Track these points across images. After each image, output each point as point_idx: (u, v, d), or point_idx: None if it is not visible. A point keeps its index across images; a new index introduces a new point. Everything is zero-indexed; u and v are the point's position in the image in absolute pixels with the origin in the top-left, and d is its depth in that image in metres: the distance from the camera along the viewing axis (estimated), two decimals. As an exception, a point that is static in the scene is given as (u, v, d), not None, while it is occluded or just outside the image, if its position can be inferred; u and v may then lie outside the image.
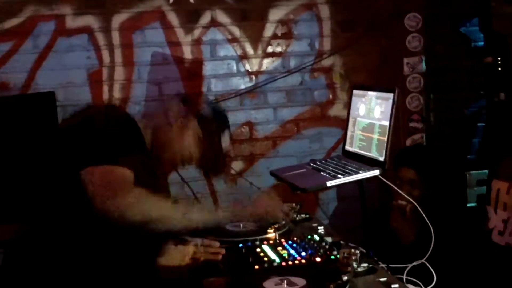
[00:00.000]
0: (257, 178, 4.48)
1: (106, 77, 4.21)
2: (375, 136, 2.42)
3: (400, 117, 4.41)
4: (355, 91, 2.68)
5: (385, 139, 2.34)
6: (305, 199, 3.02)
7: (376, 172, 2.34)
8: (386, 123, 2.35)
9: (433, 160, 3.93)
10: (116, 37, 4.21)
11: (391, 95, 2.35)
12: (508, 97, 3.16)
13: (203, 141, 2.61)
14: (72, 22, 4.14)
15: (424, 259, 2.20)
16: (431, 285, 2.07)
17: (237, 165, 4.54)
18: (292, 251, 2.35)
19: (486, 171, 3.34)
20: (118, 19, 4.21)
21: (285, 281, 2.04)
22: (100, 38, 4.19)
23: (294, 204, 2.91)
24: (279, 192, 4.12)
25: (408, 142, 4.52)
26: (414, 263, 2.20)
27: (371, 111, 2.48)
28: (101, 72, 4.22)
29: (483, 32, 4.36)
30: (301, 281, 2.03)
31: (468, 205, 4.33)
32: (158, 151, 2.58)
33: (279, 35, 4.52)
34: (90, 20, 4.17)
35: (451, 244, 3.42)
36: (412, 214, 3.42)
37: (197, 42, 4.34)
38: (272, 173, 2.74)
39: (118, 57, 4.24)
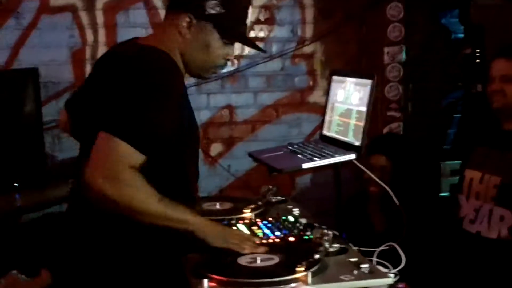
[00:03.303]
0: (236, 161, 4.55)
1: (89, 56, 4.24)
2: (352, 122, 2.46)
3: (378, 106, 4.48)
4: (334, 77, 2.72)
5: (362, 124, 2.38)
6: (282, 182, 3.06)
7: (352, 156, 2.37)
8: (364, 109, 2.39)
9: (406, 149, 4.01)
10: (100, 16, 4.24)
11: (369, 81, 2.39)
12: (484, 88, 3.22)
13: None
14: (56, 1, 4.17)
15: (396, 243, 2.24)
16: (400, 267, 2.12)
17: (216, 148, 4.59)
18: (267, 231, 2.40)
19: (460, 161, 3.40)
20: (102, -1, 4.24)
21: (258, 258, 2.09)
22: (84, 17, 4.22)
23: (270, 186, 2.96)
24: (255, 175, 4.20)
25: (385, 131, 4.58)
26: (385, 246, 2.24)
27: (349, 97, 2.52)
28: (84, 51, 4.24)
29: (463, 24, 4.43)
30: (274, 258, 2.08)
31: (441, 194, 4.41)
32: None
33: (262, 20, 4.56)
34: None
35: (423, 230, 3.51)
36: (384, 200, 3.50)
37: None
38: (250, 155, 2.77)
39: (102, 37, 4.26)
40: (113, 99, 2.02)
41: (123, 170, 1.93)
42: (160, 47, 2.16)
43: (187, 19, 2.18)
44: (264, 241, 2.28)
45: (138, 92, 2.00)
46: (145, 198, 1.99)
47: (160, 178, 2.04)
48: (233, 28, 2.26)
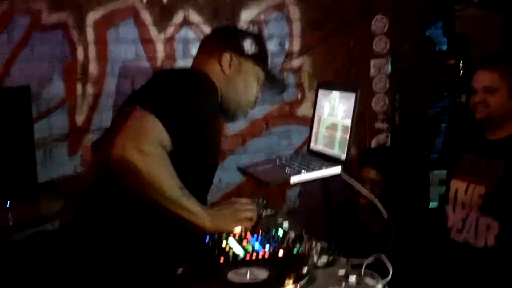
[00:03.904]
0: (227, 174, 4.57)
1: (80, 72, 4.27)
2: (338, 134, 2.50)
3: (366, 117, 4.52)
4: (320, 90, 2.75)
5: (347, 137, 2.43)
6: (272, 195, 3.10)
7: (338, 170, 2.41)
8: (349, 121, 2.43)
9: (395, 161, 4.06)
10: (90, 33, 4.29)
11: (354, 94, 2.43)
12: (468, 99, 3.27)
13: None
14: (47, 18, 4.20)
15: (384, 253, 2.27)
16: (387, 278, 2.14)
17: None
18: (257, 245, 2.43)
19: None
20: (92, 16, 4.28)
21: (248, 272, 2.12)
22: (75, 34, 4.26)
23: (260, 199, 2.99)
24: (246, 188, 4.23)
25: (374, 142, 4.62)
26: (372, 258, 2.27)
27: (335, 110, 2.56)
28: (75, 67, 4.27)
29: (447, 35, 4.48)
30: (263, 273, 2.11)
31: (430, 203, 4.46)
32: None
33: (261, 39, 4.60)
34: (65, 16, 4.23)
35: (412, 241, 3.54)
36: (374, 211, 3.54)
37: (170, 40, 4.42)
38: (239, 168, 2.81)
39: (92, 53, 4.30)
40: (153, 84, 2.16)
41: (154, 145, 1.96)
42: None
43: (228, 57, 2.33)
44: (254, 255, 2.32)
45: (180, 84, 2.14)
46: (169, 179, 2.02)
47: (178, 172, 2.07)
48: (265, 66, 2.45)
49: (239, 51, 2.34)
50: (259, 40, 2.42)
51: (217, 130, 2.36)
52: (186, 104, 2.09)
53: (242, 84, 2.38)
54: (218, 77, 2.33)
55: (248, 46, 2.35)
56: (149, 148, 1.94)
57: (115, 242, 2.16)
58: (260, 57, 2.40)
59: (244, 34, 2.42)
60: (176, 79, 2.21)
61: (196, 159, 2.23)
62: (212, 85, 2.27)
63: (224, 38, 2.39)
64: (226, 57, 2.33)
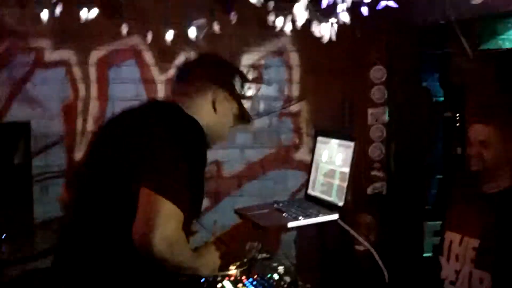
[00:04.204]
0: (222, 216, 4.57)
1: (80, 110, 4.30)
2: (336, 182, 2.53)
3: (362, 165, 4.54)
4: (319, 138, 2.79)
5: (345, 185, 2.46)
6: (267, 239, 3.10)
7: (335, 216, 2.44)
8: (347, 170, 2.47)
9: (391, 208, 4.08)
10: (92, 71, 4.34)
11: (352, 143, 2.47)
12: (463, 151, 3.30)
13: None
14: (50, 55, 4.26)
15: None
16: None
17: (203, 203, 4.61)
18: (252, 288, 2.45)
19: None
20: (95, 55, 4.34)
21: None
22: (77, 72, 4.31)
23: (256, 243, 3.00)
24: (242, 231, 4.22)
25: (370, 190, 4.63)
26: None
27: (333, 158, 2.60)
28: (75, 105, 4.31)
29: (443, 87, 4.53)
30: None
31: (424, 254, 4.46)
32: None
33: (250, 79, 4.66)
34: (67, 54, 4.29)
35: (406, 289, 3.54)
36: (368, 259, 3.55)
37: (170, 81, 4.45)
38: (236, 211, 2.83)
39: (94, 91, 4.34)
40: (151, 157, 2.08)
41: (176, 232, 2.02)
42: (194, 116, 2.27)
43: (222, 96, 2.33)
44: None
45: (179, 155, 2.09)
46: (186, 255, 2.14)
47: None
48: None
49: (230, 91, 2.35)
50: (245, 80, 2.43)
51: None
52: (193, 178, 2.14)
53: (225, 121, 2.39)
54: (207, 114, 2.32)
55: (239, 87, 2.37)
56: (175, 237, 2.01)
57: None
58: (244, 97, 2.42)
59: (234, 72, 2.41)
60: (174, 137, 2.14)
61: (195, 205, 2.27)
62: (202, 133, 2.28)
63: (216, 76, 2.36)
64: (220, 97, 2.33)
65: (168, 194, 1.99)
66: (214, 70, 2.38)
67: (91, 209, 2.17)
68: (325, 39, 3.68)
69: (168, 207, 1.98)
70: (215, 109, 2.32)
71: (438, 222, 3.73)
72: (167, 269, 2.08)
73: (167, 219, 1.98)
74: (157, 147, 2.09)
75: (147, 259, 2.00)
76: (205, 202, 4.54)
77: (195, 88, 2.32)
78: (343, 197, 2.45)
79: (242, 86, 2.38)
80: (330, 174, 2.59)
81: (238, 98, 2.37)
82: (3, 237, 3.73)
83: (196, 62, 2.47)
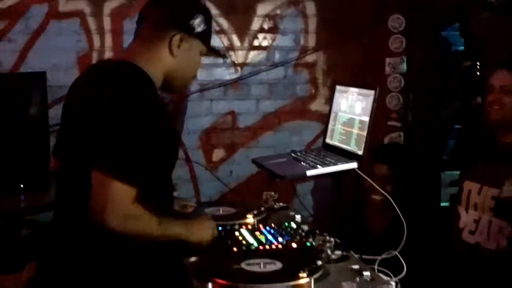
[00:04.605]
0: (237, 167, 4.59)
1: (95, 61, 4.27)
2: (355, 131, 2.51)
3: (379, 115, 4.52)
4: (338, 87, 2.77)
5: (365, 134, 2.43)
6: (283, 189, 3.11)
7: (354, 165, 2.42)
8: (366, 118, 2.44)
9: (407, 159, 4.07)
10: (107, 22, 4.31)
11: (372, 92, 2.45)
12: (483, 102, 3.27)
13: None
14: (64, 6, 4.23)
15: (397, 250, 2.27)
16: (401, 276, 2.15)
17: (218, 153, 4.64)
18: (269, 237, 2.45)
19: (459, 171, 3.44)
20: (109, 5, 4.31)
21: (261, 263, 2.13)
22: (91, 23, 4.28)
23: (272, 193, 3.00)
24: (256, 181, 4.23)
25: (386, 140, 4.63)
26: (386, 255, 2.27)
27: (352, 107, 2.58)
28: (90, 56, 4.29)
29: (463, 36, 4.48)
30: (277, 264, 2.13)
31: (441, 204, 4.46)
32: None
33: (266, 29, 4.63)
34: (82, 5, 4.26)
35: (422, 240, 3.55)
36: (384, 209, 3.55)
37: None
38: (253, 161, 2.82)
39: (108, 42, 4.32)
40: (95, 130, 1.99)
41: (129, 206, 1.97)
42: (139, 61, 2.13)
43: (178, 38, 2.19)
44: (267, 246, 2.34)
45: (118, 122, 1.98)
46: (148, 226, 2.05)
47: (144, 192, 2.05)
48: (210, 41, 2.33)
49: (189, 31, 2.21)
50: (207, 15, 2.27)
51: (170, 129, 2.25)
52: (137, 145, 1.99)
53: (189, 62, 2.27)
54: (165, 60, 2.21)
55: (198, 25, 2.21)
56: (126, 213, 1.97)
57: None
58: (208, 34, 2.28)
59: (193, 10, 2.23)
60: (112, 108, 1.99)
61: (162, 173, 2.19)
62: (150, 87, 2.11)
63: (171, 18, 2.21)
64: (176, 39, 2.19)
65: (113, 173, 1.94)
66: (168, 10, 2.23)
67: (67, 185, 2.16)
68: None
69: (115, 186, 1.93)
70: (172, 53, 2.20)
71: (455, 172, 3.72)
72: (140, 242, 2.05)
73: (115, 197, 1.94)
74: (102, 122, 1.98)
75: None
76: (221, 153, 4.62)
77: (150, 32, 2.21)
78: (363, 146, 2.43)
79: (206, 23, 2.24)
80: (349, 123, 2.57)
81: (200, 37, 2.23)
82: (21, 186, 3.77)
83: (153, 3, 2.28)
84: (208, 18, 2.27)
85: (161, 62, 2.20)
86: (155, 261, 2.15)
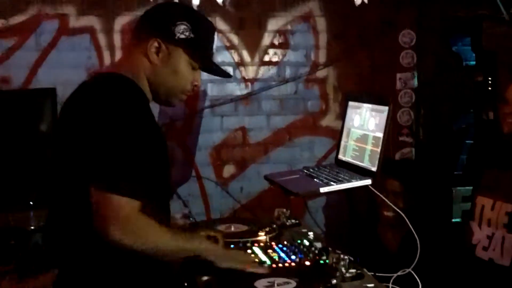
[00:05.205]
0: (248, 183, 4.57)
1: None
2: (369, 147, 2.49)
3: (390, 131, 4.50)
4: (350, 103, 2.75)
5: (378, 150, 2.42)
6: (294, 206, 3.08)
7: (368, 182, 2.40)
8: (380, 134, 2.43)
9: (419, 174, 4.04)
10: (117, 38, 4.32)
11: (386, 108, 2.43)
12: (496, 116, 3.25)
13: None
14: (75, 22, 4.24)
15: (411, 268, 2.25)
16: (416, 293, 2.13)
17: (229, 169, 4.62)
18: (282, 254, 2.43)
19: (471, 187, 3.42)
20: (120, 21, 4.32)
21: (276, 281, 2.10)
22: (102, 39, 4.29)
23: (284, 210, 2.98)
24: (270, 196, 4.21)
25: (397, 156, 4.61)
26: (401, 272, 2.25)
27: (366, 123, 2.56)
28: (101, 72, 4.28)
29: (475, 51, 4.46)
30: (292, 283, 2.10)
31: (453, 220, 4.43)
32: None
33: (276, 44, 4.62)
34: (92, 21, 4.27)
35: (435, 256, 3.52)
36: (397, 225, 3.53)
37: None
38: (266, 177, 2.80)
39: (118, 58, 4.31)
40: (87, 147, 1.97)
41: (133, 219, 1.94)
42: (125, 74, 2.09)
43: (156, 44, 2.13)
44: (280, 264, 2.31)
45: (111, 136, 1.96)
46: (159, 239, 2.03)
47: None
48: (201, 53, 2.23)
49: (168, 37, 2.13)
50: (197, 25, 2.18)
51: (161, 139, 2.19)
52: (133, 159, 1.96)
53: (170, 71, 2.17)
54: (144, 68, 2.14)
55: (179, 32, 2.13)
56: (131, 224, 1.94)
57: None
58: (195, 44, 2.17)
59: (175, 16, 2.16)
60: (103, 122, 1.97)
61: (158, 180, 2.13)
62: (140, 100, 2.08)
63: (152, 23, 2.16)
64: (154, 45, 2.13)
65: (113, 188, 1.91)
66: (149, 16, 2.20)
67: (62, 204, 2.12)
68: (357, 2, 3.64)
69: (117, 200, 1.90)
70: (149, 59, 2.14)
71: (467, 188, 3.69)
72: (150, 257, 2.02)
73: (117, 211, 1.91)
74: (92, 138, 1.96)
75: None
76: (231, 169, 4.61)
77: (134, 42, 2.18)
78: (376, 162, 2.41)
79: (194, 32, 2.15)
80: (363, 139, 2.55)
81: (182, 45, 2.15)
82: (31, 203, 3.76)
83: (142, 14, 2.24)
84: (197, 28, 2.17)
85: (141, 69, 2.15)
86: (163, 274, 2.13)
